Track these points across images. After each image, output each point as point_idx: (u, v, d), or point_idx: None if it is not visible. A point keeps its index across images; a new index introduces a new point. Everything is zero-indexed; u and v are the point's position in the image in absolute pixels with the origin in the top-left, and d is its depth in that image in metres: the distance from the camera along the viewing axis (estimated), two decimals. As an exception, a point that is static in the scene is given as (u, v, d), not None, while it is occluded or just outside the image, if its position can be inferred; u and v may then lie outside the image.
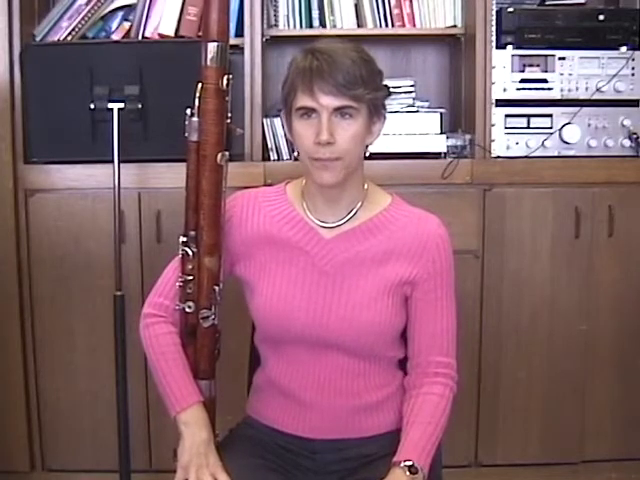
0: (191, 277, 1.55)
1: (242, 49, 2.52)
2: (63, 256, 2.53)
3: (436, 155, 2.56)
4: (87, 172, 2.50)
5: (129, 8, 2.60)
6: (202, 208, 1.52)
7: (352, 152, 1.50)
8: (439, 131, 2.57)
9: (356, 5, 2.64)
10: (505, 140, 2.56)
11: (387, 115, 1.57)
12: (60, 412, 2.61)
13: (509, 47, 2.55)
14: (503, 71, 2.55)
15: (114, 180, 2.31)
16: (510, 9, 2.54)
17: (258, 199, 1.62)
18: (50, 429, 2.62)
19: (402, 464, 1.46)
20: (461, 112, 2.73)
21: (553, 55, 2.56)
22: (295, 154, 1.68)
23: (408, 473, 1.45)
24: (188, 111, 1.50)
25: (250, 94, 2.54)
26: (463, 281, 2.41)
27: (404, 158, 2.52)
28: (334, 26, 2.63)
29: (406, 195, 1.65)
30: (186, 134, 1.51)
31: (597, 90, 2.56)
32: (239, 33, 2.53)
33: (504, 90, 2.56)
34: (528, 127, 2.57)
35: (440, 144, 2.55)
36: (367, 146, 1.56)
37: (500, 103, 2.56)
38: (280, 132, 2.56)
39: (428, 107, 2.65)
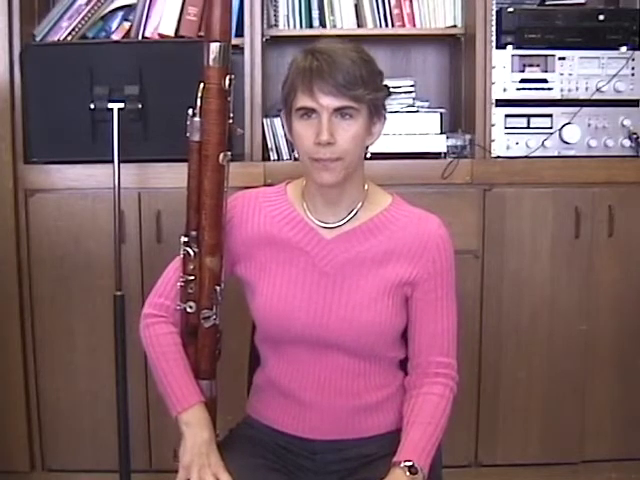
0: (192, 277, 1.55)
1: (242, 49, 2.52)
2: (63, 256, 2.53)
3: (436, 155, 2.56)
4: (87, 172, 2.50)
5: (129, 8, 2.60)
6: (204, 208, 1.52)
7: (352, 153, 1.50)
8: (439, 131, 2.57)
9: (356, 5, 2.64)
10: (505, 140, 2.56)
11: (387, 115, 1.57)
12: (60, 412, 2.61)
13: (509, 47, 2.55)
14: (503, 71, 2.55)
15: (114, 180, 2.31)
16: (510, 9, 2.54)
17: (259, 199, 1.62)
18: (50, 429, 2.62)
19: (402, 464, 1.46)
20: (461, 112, 2.73)
21: (553, 55, 2.56)
22: (295, 154, 1.68)
23: (408, 473, 1.45)
24: (190, 111, 1.50)
25: (250, 94, 2.54)
26: (463, 281, 2.41)
27: (404, 158, 2.52)
28: (334, 26, 2.63)
29: (406, 195, 1.65)
30: (188, 134, 1.51)
31: (597, 90, 2.56)
32: (239, 33, 2.53)
33: (504, 90, 2.56)
34: (528, 127, 2.57)
35: (440, 144, 2.55)
36: (367, 147, 1.56)
37: (500, 103, 2.56)
38: (280, 132, 2.56)
39: (428, 107, 2.65)
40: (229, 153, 1.52)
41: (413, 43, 2.87)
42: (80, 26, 2.53)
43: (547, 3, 2.67)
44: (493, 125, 2.56)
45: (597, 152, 2.58)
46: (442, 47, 2.88)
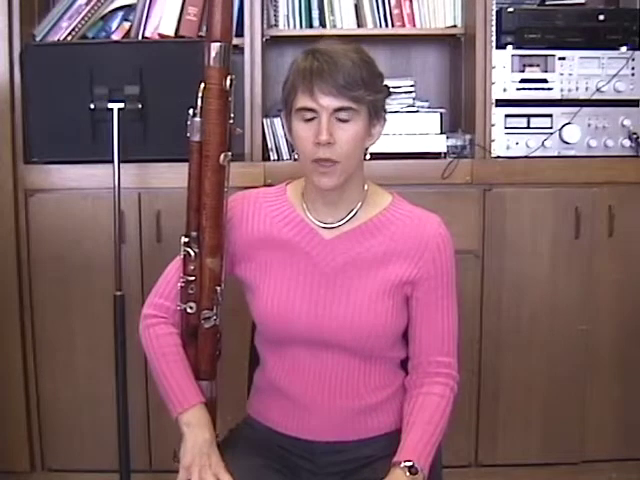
0: (193, 278, 1.55)
1: (242, 49, 2.52)
2: (63, 256, 2.53)
3: (436, 155, 2.56)
4: (87, 172, 2.50)
5: (129, 8, 2.60)
6: (204, 208, 1.52)
7: (351, 154, 1.50)
8: (439, 131, 2.57)
9: (356, 5, 2.64)
10: (505, 140, 2.56)
11: (387, 117, 1.56)
12: (60, 412, 2.61)
13: (509, 47, 2.55)
14: (503, 71, 2.55)
15: (114, 180, 2.31)
16: (510, 9, 2.54)
17: (259, 200, 1.62)
18: (50, 429, 2.62)
19: (402, 464, 1.46)
20: (461, 112, 2.73)
21: (553, 55, 2.56)
22: (295, 155, 1.68)
23: (408, 473, 1.45)
24: (190, 111, 1.50)
25: (250, 94, 2.54)
26: (463, 281, 2.40)
27: (404, 158, 2.52)
28: (334, 26, 2.63)
29: (406, 195, 1.65)
30: (188, 134, 1.51)
31: (597, 90, 2.56)
32: (239, 33, 2.52)
33: (504, 90, 2.56)
34: (528, 127, 2.57)
35: (440, 144, 2.55)
36: (366, 149, 1.56)
37: (500, 103, 2.56)
38: (280, 132, 2.56)
39: (428, 107, 2.65)
40: (230, 153, 1.52)
41: (413, 43, 2.87)
42: (80, 26, 2.53)
43: (547, 3, 2.67)
44: (493, 125, 2.56)
45: (597, 152, 2.57)
46: (442, 47, 2.88)
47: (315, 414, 1.59)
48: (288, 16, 2.62)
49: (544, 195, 2.54)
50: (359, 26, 2.63)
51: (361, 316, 1.54)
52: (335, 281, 1.56)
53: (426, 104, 2.66)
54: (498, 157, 2.57)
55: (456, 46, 2.72)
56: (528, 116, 2.57)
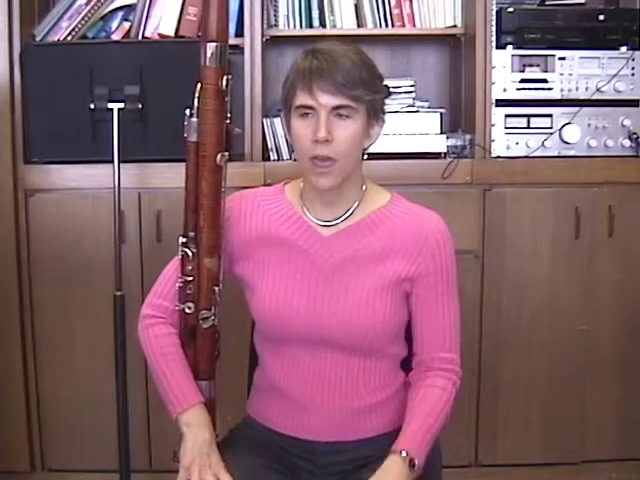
0: (191, 278, 1.55)
1: (242, 49, 2.52)
2: (63, 256, 2.53)
3: (436, 155, 2.56)
4: (87, 172, 2.50)
5: (129, 8, 2.60)
6: (202, 209, 1.52)
7: (349, 153, 1.50)
8: (439, 131, 2.57)
9: (356, 5, 2.64)
10: (505, 140, 2.56)
11: (386, 119, 1.56)
12: (60, 412, 2.61)
13: (509, 47, 2.55)
14: (503, 71, 2.55)
15: (114, 180, 2.32)
16: (510, 9, 2.53)
17: (256, 199, 1.63)
18: (50, 429, 2.63)
19: (400, 452, 1.46)
20: (461, 112, 2.73)
21: (553, 55, 2.56)
22: (295, 155, 1.68)
23: (404, 461, 1.45)
24: (187, 111, 1.50)
25: (250, 94, 2.54)
26: (463, 281, 2.39)
27: (404, 158, 2.52)
28: (334, 26, 2.63)
29: (406, 195, 1.65)
30: (185, 135, 1.51)
31: (597, 90, 2.55)
32: (239, 33, 2.53)
33: (504, 90, 2.56)
34: (528, 127, 2.56)
35: (440, 144, 2.55)
36: (364, 149, 1.56)
37: (500, 103, 2.56)
38: (280, 132, 2.56)
39: (428, 107, 2.65)
40: (227, 154, 1.52)
41: (413, 43, 2.87)
42: (80, 26, 2.53)
43: (547, 3, 2.67)
44: (493, 125, 2.55)
45: (597, 152, 2.57)
46: (442, 47, 2.88)
47: (314, 414, 1.59)
48: (288, 16, 2.62)
49: (544, 195, 2.54)
50: (359, 26, 2.64)
51: (359, 312, 1.54)
52: (333, 278, 1.56)
53: (426, 104, 2.65)
54: (498, 157, 2.56)
55: (456, 46, 2.72)
56: (528, 116, 2.56)
